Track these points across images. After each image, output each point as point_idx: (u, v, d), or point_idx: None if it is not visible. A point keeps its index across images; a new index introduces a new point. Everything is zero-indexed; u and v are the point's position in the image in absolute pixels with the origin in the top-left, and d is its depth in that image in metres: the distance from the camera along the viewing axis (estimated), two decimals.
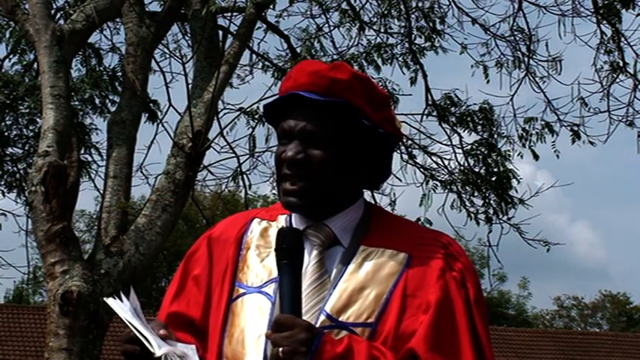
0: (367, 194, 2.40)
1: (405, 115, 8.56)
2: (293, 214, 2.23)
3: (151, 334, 2.08)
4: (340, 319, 2.08)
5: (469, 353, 2.08)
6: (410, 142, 8.74)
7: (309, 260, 2.14)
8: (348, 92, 2.18)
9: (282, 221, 2.25)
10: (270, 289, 2.15)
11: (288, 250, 2.08)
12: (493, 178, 8.68)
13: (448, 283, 2.12)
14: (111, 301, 2.13)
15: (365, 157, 2.21)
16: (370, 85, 2.24)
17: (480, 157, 8.73)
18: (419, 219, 8.33)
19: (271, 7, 8.02)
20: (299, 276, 2.07)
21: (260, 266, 2.20)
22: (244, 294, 2.18)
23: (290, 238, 2.10)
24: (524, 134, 8.78)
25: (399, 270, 2.13)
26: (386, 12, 8.76)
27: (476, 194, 8.78)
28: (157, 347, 2.06)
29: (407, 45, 8.76)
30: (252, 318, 2.14)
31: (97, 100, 8.90)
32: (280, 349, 1.98)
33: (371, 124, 2.19)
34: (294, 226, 2.22)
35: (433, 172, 8.81)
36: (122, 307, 2.12)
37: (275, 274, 2.15)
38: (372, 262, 2.14)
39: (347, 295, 2.10)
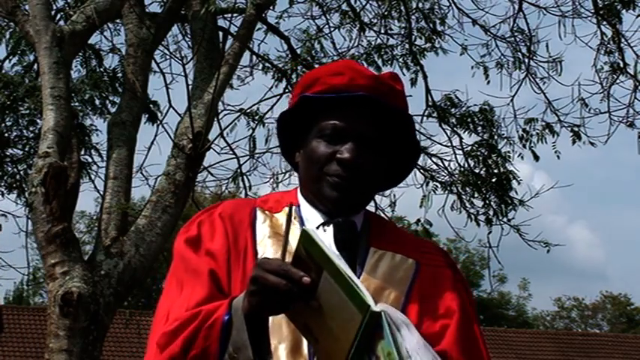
0: None
1: None
2: (302, 208, 2.19)
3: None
4: None
5: (485, 356, 2.16)
6: None
7: None
8: (403, 104, 2.20)
9: (284, 215, 2.17)
10: None
11: (345, 242, 2.10)
12: (493, 180, 8.67)
13: (460, 291, 2.19)
14: (313, 232, 1.88)
15: (400, 167, 2.25)
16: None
17: (480, 158, 8.72)
18: (419, 220, 8.33)
19: (271, 8, 8.03)
20: (354, 269, 2.05)
21: (276, 257, 2.14)
22: None
23: (347, 231, 2.11)
24: (524, 135, 8.78)
25: (410, 275, 2.15)
26: (386, 13, 8.76)
27: (476, 195, 8.77)
28: (374, 302, 1.78)
29: (407, 46, 8.75)
30: None
31: (97, 101, 8.91)
32: None
33: (415, 137, 2.23)
34: (304, 218, 2.18)
35: (433, 174, 8.81)
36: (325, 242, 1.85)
37: None
38: (386, 264, 2.15)
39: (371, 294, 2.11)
